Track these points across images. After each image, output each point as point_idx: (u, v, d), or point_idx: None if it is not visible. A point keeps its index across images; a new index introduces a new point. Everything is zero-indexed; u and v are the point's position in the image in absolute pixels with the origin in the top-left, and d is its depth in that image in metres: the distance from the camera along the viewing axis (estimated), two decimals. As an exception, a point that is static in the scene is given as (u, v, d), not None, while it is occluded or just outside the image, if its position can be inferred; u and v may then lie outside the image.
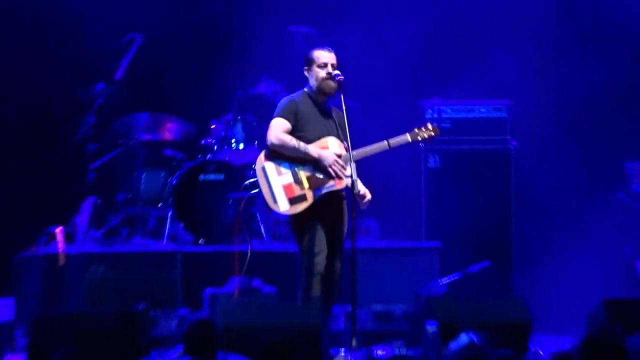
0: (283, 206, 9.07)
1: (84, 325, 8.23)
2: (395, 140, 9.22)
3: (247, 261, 10.53)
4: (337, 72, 9.06)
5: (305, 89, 9.26)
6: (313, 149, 9.04)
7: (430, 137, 9.41)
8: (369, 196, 9.06)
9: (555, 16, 12.20)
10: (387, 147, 9.22)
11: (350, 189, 8.92)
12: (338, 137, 9.16)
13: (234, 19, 12.05)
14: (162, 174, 11.73)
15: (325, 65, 9.07)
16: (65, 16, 11.48)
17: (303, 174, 9.09)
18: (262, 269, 10.80)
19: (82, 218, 11.62)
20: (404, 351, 9.18)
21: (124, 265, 10.99)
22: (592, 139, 12.05)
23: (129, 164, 11.88)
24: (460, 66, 12.01)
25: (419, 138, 9.33)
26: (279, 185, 9.09)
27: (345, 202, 9.17)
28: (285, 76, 11.28)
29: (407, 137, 9.27)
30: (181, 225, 11.48)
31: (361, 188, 8.98)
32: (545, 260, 11.53)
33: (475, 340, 6.52)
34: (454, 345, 6.59)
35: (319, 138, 9.12)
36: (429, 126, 9.37)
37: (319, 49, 9.21)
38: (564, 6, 12.31)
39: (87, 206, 11.69)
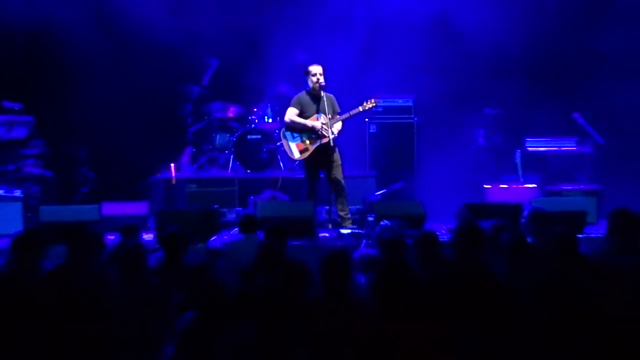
0: (296, 155, 9.32)
1: (185, 215, 8.63)
2: (354, 111, 9.32)
3: (279, 183, 10.79)
4: (322, 81, 9.14)
5: (306, 88, 9.31)
6: (309, 122, 9.19)
7: (372, 106, 9.46)
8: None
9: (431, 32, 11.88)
10: (349, 115, 9.32)
11: (331, 142, 9.10)
12: (325, 112, 9.16)
13: (270, 50, 11.85)
14: (228, 135, 11.67)
15: (315, 74, 9.14)
16: (176, 46, 11.33)
17: (306, 137, 9.25)
18: (281, 186, 10.94)
19: (185, 158, 11.66)
20: (356, 231, 9.12)
21: (207, 184, 10.99)
22: (459, 115, 11.87)
23: (210, 129, 11.83)
24: (387, 75, 11.77)
25: (367, 108, 9.39)
26: (294, 145, 9.28)
27: (336, 149, 9.26)
28: (295, 83, 11.07)
29: (360, 108, 9.34)
30: (238, 162, 11.44)
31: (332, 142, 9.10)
32: (434, 182, 11.32)
33: (389, 224, 6.74)
34: (379, 227, 6.82)
35: (312, 115, 9.22)
36: (372, 100, 9.41)
37: (311, 65, 9.26)
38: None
39: (188, 152, 11.74)
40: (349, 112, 9.34)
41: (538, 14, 11.66)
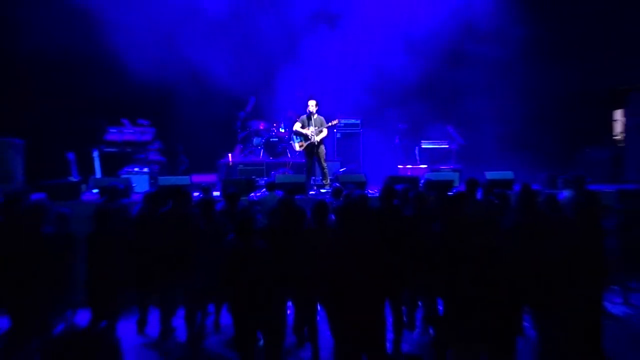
0: (297, 148, 9.16)
1: (237, 182, 8.33)
2: (325, 127, 9.05)
3: (290, 164, 10.54)
4: (310, 110, 8.96)
5: (306, 112, 9.10)
6: (303, 131, 8.99)
7: (336, 123, 9.10)
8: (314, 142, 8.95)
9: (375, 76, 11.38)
10: (325, 128, 9.06)
11: (315, 143, 8.94)
12: (313, 125, 8.97)
13: (282, 90, 11.47)
14: (260, 139, 11.35)
15: (308, 105, 8.99)
16: (233, 89, 10.98)
17: (302, 139, 9.10)
18: (291, 166, 10.68)
19: (236, 151, 11.36)
20: (329, 190, 8.68)
21: (248, 165, 10.70)
22: (385, 127, 11.59)
23: (250, 135, 11.48)
24: (346, 102, 11.39)
25: (332, 124, 9.06)
26: (296, 143, 9.12)
27: (321, 147, 9.04)
28: (296, 109, 10.76)
29: (327, 125, 9.06)
30: (265, 154, 11.15)
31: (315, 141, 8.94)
32: (371, 164, 11.15)
33: (339, 186, 6.67)
34: (331, 187, 6.74)
35: (306, 127, 9.02)
36: (335, 119, 9.13)
37: (309, 100, 9.07)
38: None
39: (238, 148, 11.40)
40: (321, 128, 9.06)
41: (425, 58, 11.20)
